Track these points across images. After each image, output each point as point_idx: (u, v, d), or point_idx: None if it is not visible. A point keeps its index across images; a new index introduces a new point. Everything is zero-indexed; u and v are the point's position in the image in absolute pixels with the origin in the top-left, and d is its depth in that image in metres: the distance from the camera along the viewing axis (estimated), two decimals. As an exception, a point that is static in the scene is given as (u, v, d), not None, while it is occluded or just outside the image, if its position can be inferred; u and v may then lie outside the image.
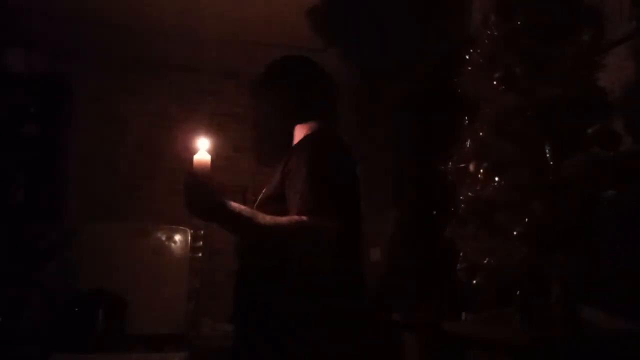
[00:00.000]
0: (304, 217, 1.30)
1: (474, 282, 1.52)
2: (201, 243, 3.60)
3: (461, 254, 1.60)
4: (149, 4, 2.91)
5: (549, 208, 1.39)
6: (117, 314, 3.05)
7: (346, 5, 2.94)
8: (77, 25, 3.12)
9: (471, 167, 1.58)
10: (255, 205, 1.52)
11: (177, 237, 3.46)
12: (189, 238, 3.48)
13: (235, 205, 1.29)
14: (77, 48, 3.41)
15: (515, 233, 1.41)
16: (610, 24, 1.52)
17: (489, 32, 1.54)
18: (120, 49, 3.43)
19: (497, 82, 1.49)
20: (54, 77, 3.39)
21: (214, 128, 3.66)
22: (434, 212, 2.72)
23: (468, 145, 1.58)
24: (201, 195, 1.23)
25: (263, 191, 1.60)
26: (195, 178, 1.23)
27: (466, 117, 1.65)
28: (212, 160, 1.26)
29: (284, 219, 1.32)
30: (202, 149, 1.27)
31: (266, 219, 1.30)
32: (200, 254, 3.58)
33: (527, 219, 1.40)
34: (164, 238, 3.47)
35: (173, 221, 3.47)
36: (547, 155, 1.41)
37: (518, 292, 1.45)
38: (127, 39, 3.30)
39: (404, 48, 3.25)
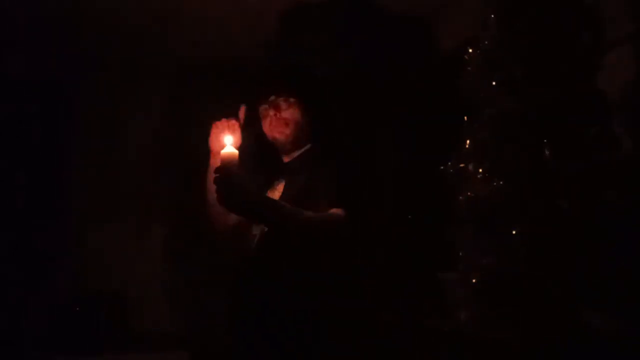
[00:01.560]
0: (340, 211, 1.33)
1: (474, 282, 1.52)
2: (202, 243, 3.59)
3: (461, 254, 1.60)
4: (149, 5, 2.91)
5: (549, 208, 1.39)
6: (117, 314, 3.05)
7: (346, 5, 2.94)
8: (77, 26, 3.12)
9: (471, 168, 1.58)
10: None
11: (178, 237, 3.46)
12: (190, 238, 3.48)
13: (274, 198, 1.33)
14: (77, 48, 3.41)
15: (515, 233, 1.41)
16: (610, 25, 1.53)
17: (489, 32, 1.55)
18: (120, 49, 3.43)
19: (496, 84, 1.49)
20: (54, 78, 3.39)
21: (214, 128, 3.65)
22: (409, 216, 2.74)
23: (468, 146, 1.59)
24: (239, 190, 1.22)
25: (279, 193, 1.59)
26: (228, 173, 1.22)
27: (466, 118, 1.65)
28: (239, 155, 1.26)
29: (324, 213, 1.35)
30: (228, 144, 1.26)
31: (307, 212, 1.32)
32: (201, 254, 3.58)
33: (527, 219, 1.40)
34: (164, 238, 3.47)
35: (173, 221, 3.47)
36: (547, 155, 1.41)
37: (518, 292, 1.46)
38: (127, 40, 3.30)
39: (404, 48, 3.25)
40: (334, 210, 1.34)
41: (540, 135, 1.43)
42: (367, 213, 1.50)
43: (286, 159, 1.63)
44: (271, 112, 1.58)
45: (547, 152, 1.41)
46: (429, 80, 3.08)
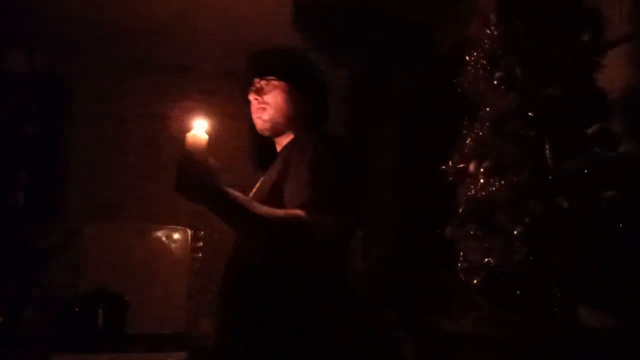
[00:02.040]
0: (300, 212, 1.26)
1: (474, 282, 1.52)
2: (201, 243, 3.60)
3: (461, 254, 1.60)
4: (149, 4, 2.91)
5: (549, 208, 1.39)
6: (117, 314, 3.05)
7: (347, 4, 2.94)
8: (77, 25, 3.12)
9: (471, 167, 1.58)
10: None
11: (177, 237, 3.46)
12: (189, 238, 3.49)
13: (231, 190, 1.22)
14: (77, 48, 3.41)
15: (515, 233, 1.41)
16: (610, 25, 1.53)
17: (489, 32, 1.55)
18: (120, 49, 3.43)
19: (497, 82, 1.49)
20: (54, 77, 3.39)
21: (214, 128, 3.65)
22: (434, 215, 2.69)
23: (468, 145, 1.59)
24: (194, 176, 1.16)
25: (256, 187, 1.58)
26: (189, 157, 1.16)
27: (466, 117, 1.65)
28: (209, 140, 1.20)
29: (280, 211, 1.27)
30: (199, 128, 1.20)
31: (262, 208, 1.25)
32: (200, 254, 3.58)
33: (527, 219, 1.40)
34: (164, 238, 3.47)
35: (173, 221, 3.47)
36: (547, 155, 1.41)
37: (518, 292, 1.45)
38: (127, 39, 3.30)
39: (405, 48, 3.26)
40: (296, 211, 1.26)
41: (540, 134, 1.43)
42: (345, 213, 1.35)
43: (279, 150, 1.59)
44: (252, 96, 1.53)
45: (547, 152, 1.40)
46: (429, 81, 3.09)
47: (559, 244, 1.38)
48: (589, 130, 1.42)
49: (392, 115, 3.60)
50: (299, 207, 1.27)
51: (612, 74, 1.53)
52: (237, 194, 1.24)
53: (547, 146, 1.41)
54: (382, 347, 2.62)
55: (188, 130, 1.21)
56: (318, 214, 1.25)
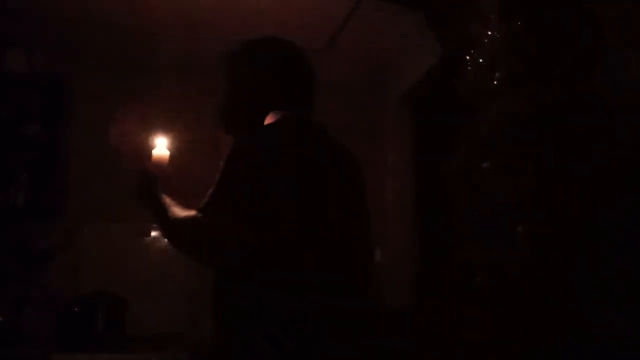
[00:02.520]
0: (195, 214, 1.26)
1: (474, 281, 1.53)
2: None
3: (462, 254, 1.60)
4: (149, 4, 2.91)
5: (549, 208, 1.39)
6: (117, 314, 3.05)
7: (347, 3, 2.94)
8: (77, 25, 3.11)
9: (472, 167, 1.58)
10: None
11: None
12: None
13: (163, 197, 1.35)
14: (77, 48, 3.41)
15: (515, 233, 1.41)
16: (610, 25, 1.53)
17: (489, 32, 1.55)
18: (120, 49, 3.43)
19: (497, 83, 1.50)
20: (54, 77, 3.38)
21: (215, 128, 3.65)
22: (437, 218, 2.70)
23: (469, 146, 1.59)
24: (142, 183, 1.34)
25: None
26: (146, 172, 1.36)
27: (466, 118, 1.65)
28: (169, 156, 1.42)
29: (182, 215, 1.30)
30: (161, 145, 1.41)
31: (174, 213, 1.31)
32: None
33: (527, 219, 1.40)
34: (164, 238, 3.47)
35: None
36: (547, 155, 1.42)
37: (518, 292, 1.46)
38: (127, 39, 3.30)
39: (406, 47, 3.26)
40: (196, 213, 1.25)
41: (540, 134, 1.43)
42: (254, 217, 1.21)
43: None
44: None
45: (547, 152, 1.41)
46: (429, 80, 3.09)
47: (559, 244, 1.38)
48: (589, 131, 1.43)
49: (393, 115, 3.60)
50: (201, 208, 1.26)
51: (612, 74, 1.53)
52: (166, 200, 1.35)
53: (547, 146, 1.41)
54: (382, 347, 2.62)
55: (152, 147, 1.43)
56: (215, 216, 1.22)
